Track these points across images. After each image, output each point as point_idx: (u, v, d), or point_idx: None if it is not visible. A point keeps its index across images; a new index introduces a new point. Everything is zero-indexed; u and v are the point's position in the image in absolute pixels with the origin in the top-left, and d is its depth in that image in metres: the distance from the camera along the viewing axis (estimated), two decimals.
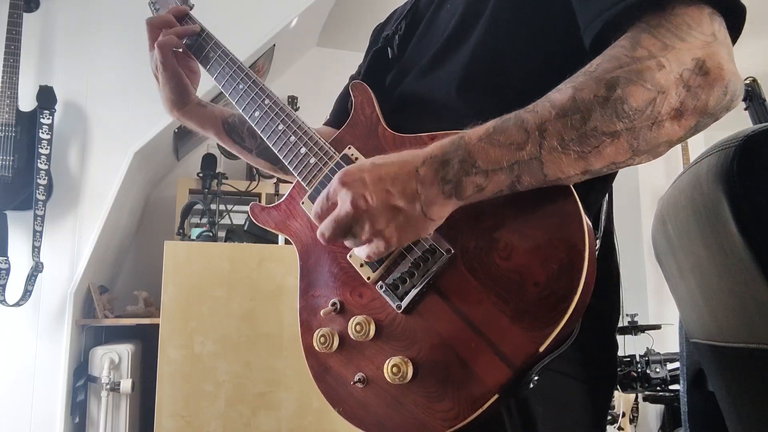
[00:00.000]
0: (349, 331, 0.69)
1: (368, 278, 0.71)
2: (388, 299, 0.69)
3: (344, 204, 0.61)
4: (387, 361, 0.65)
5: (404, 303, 0.67)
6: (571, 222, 0.58)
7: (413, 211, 0.60)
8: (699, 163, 0.66)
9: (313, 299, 0.77)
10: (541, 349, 0.57)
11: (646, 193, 3.79)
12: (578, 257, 0.57)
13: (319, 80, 3.73)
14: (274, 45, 2.99)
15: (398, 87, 0.83)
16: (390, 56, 0.89)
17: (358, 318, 0.69)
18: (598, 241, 0.69)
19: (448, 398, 0.61)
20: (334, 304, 0.73)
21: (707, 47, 0.54)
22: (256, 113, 0.88)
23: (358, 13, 3.44)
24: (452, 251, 0.65)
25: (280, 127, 0.85)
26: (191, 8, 1.05)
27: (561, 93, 0.57)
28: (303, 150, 0.82)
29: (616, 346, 0.77)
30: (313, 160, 0.81)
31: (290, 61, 3.68)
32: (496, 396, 0.58)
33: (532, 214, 0.60)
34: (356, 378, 0.68)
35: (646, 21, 0.56)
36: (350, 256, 0.74)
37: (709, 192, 0.62)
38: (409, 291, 0.67)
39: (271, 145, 0.86)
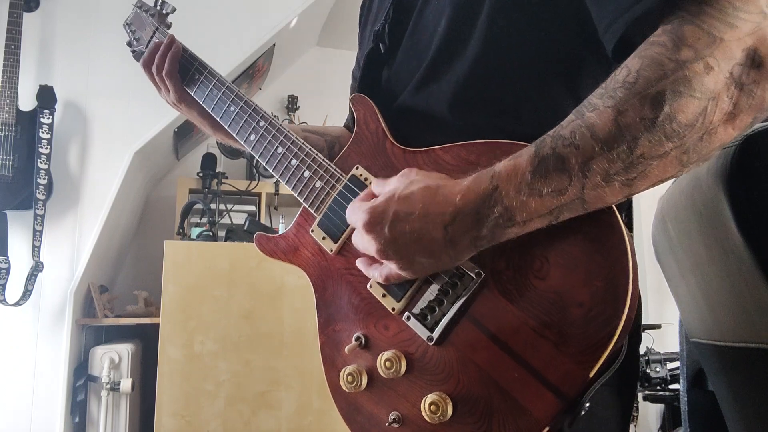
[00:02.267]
0: (379, 369, 0.65)
1: (393, 309, 0.66)
2: (417, 331, 0.64)
3: (371, 247, 0.60)
4: (423, 399, 0.61)
5: (436, 334, 0.62)
6: (611, 233, 0.54)
7: (439, 261, 0.59)
8: None
9: (335, 334, 0.72)
10: (591, 375, 0.53)
11: (646, 192, 3.78)
12: (623, 272, 0.53)
13: (318, 80, 3.73)
14: (274, 45, 2.99)
15: (396, 98, 0.79)
16: (383, 50, 0.83)
17: (387, 354, 0.64)
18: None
19: None
20: (358, 338, 0.69)
21: (758, 30, 0.47)
22: (252, 137, 0.83)
23: (357, 13, 3.43)
24: (482, 274, 0.60)
25: (279, 150, 0.80)
26: (173, 11, 1.01)
27: (600, 116, 0.51)
28: (306, 173, 0.77)
29: (638, 341, 0.73)
30: (318, 184, 0.76)
31: (290, 61, 3.68)
32: (546, 429, 0.54)
33: (567, 227, 0.55)
34: (391, 418, 0.64)
35: (685, 9, 0.49)
36: (371, 286, 0.69)
37: (709, 192, 0.62)
38: (440, 320, 0.62)
39: (271, 170, 0.81)
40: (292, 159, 0.79)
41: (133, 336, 2.78)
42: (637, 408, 2.88)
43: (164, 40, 0.94)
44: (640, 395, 2.63)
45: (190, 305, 2.37)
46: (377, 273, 0.64)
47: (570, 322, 0.54)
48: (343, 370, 0.68)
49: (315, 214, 0.77)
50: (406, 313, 0.65)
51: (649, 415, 3.43)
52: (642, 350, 2.53)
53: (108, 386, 2.40)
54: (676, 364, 2.44)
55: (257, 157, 0.83)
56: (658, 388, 2.46)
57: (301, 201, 0.78)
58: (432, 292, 0.63)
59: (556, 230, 0.55)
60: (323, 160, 0.77)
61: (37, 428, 2.40)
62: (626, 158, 0.49)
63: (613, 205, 0.54)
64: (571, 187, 0.52)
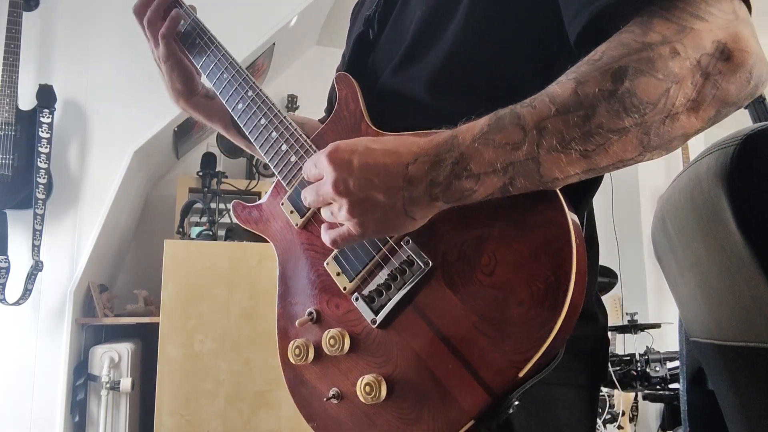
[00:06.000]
0: (323, 345, 0.67)
1: (344, 288, 0.68)
2: (362, 312, 0.65)
3: (327, 181, 0.58)
4: (360, 379, 0.62)
5: (379, 317, 0.63)
6: (559, 235, 0.54)
7: (393, 207, 0.57)
8: (699, 162, 0.65)
9: (291, 306, 0.74)
10: (521, 375, 0.53)
11: (646, 192, 3.79)
12: (565, 277, 0.53)
13: (318, 79, 3.71)
14: (274, 44, 2.99)
15: (378, 80, 0.79)
16: (371, 37, 0.83)
17: (332, 332, 0.66)
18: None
19: (423, 421, 0.58)
20: (310, 313, 0.70)
21: (729, 26, 0.48)
22: (239, 105, 0.84)
23: None
24: (430, 264, 0.61)
25: (262, 121, 0.81)
26: None
27: (561, 86, 0.52)
28: (284, 147, 0.78)
29: (607, 344, 0.73)
30: (293, 158, 0.77)
31: (290, 60, 3.68)
32: (472, 422, 0.55)
33: (518, 225, 0.56)
34: (330, 393, 0.66)
35: (657, 4, 0.50)
36: (327, 264, 0.70)
37: (709, 191, 0.61)
38: (385, 304, 0.63)
39: (252, 141, 0.82)
40: (272, 131, 0.80)
41: (132, 335, 2.78)
42: (637, 407, 2.88)
43: None
44: (639, 394, 2.63)
45: (189, 304, 2.37)
46: (325, 232, 0.62)
47: (508, 320, 0.55)
48: (292, 342, 0.70)
49: (287, 188, 0.78)
50: (356, 294, 0.67)
51: (648, 414, 3.44)
52: (642, 349, 2.53)
53: (108, 385, 2.40)
54: (676, 363, 2.44)
55: (242, 126, 0.84)
56: (658, 387, 2.46)
57: (276, 174, 0.79)
58: (382, 276, 0.65)
59: (505, 227, 0.56)
60: (300, 135, 0.78)
61: (37, 427, 2.40)
62: (583, 125, 0.50)
63: (567, 207, 0.55)
64: (526, 144, 0.52)
